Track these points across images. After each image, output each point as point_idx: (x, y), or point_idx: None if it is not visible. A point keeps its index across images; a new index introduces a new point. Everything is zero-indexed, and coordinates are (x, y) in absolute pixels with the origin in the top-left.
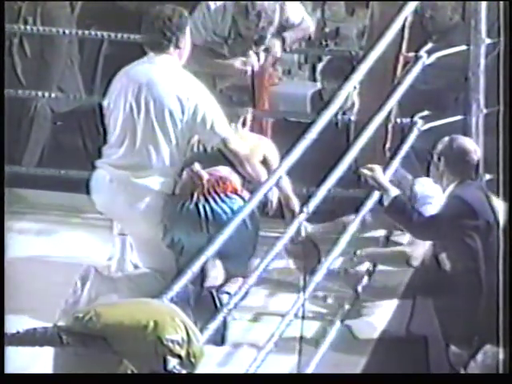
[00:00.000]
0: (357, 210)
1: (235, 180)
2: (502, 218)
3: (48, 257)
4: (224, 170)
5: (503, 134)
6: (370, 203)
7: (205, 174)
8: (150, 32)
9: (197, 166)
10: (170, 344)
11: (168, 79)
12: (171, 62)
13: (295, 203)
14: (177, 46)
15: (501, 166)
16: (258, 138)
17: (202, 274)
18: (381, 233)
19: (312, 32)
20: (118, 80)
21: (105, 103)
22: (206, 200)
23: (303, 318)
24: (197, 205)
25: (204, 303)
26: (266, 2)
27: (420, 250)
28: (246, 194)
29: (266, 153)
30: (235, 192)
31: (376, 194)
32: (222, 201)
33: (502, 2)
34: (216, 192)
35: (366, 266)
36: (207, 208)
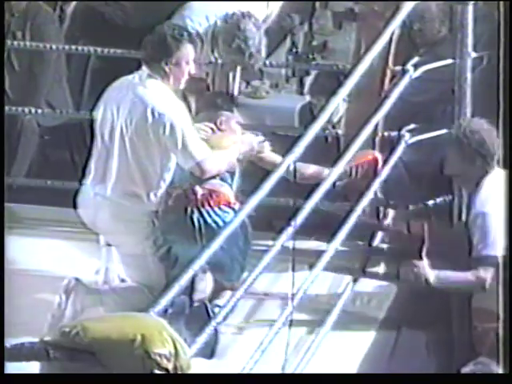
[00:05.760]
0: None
1: (227, 191)
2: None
3: (36, 271)
4: (215, 183)
5: None
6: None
7: (199, 190)
8: (150, 47)
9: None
10: (158, 358)
11: (151, 101)
12: (158, 83)
13: None
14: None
15: None
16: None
17: (192, 286)
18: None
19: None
20: (108, 94)
21: (95, 115)
22: (200, 213)
23: (290, 325)
24: (191, 218)
25: (196, 315)
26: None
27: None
28: (238, 206)
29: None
30: (228, 205)
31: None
32: (215, 213)
33: (501, 4)
34: (210, 205)
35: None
36: (201, 221)
